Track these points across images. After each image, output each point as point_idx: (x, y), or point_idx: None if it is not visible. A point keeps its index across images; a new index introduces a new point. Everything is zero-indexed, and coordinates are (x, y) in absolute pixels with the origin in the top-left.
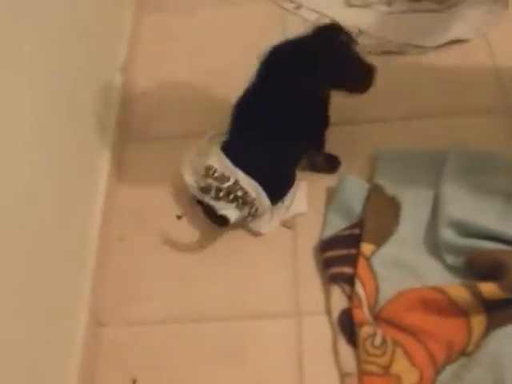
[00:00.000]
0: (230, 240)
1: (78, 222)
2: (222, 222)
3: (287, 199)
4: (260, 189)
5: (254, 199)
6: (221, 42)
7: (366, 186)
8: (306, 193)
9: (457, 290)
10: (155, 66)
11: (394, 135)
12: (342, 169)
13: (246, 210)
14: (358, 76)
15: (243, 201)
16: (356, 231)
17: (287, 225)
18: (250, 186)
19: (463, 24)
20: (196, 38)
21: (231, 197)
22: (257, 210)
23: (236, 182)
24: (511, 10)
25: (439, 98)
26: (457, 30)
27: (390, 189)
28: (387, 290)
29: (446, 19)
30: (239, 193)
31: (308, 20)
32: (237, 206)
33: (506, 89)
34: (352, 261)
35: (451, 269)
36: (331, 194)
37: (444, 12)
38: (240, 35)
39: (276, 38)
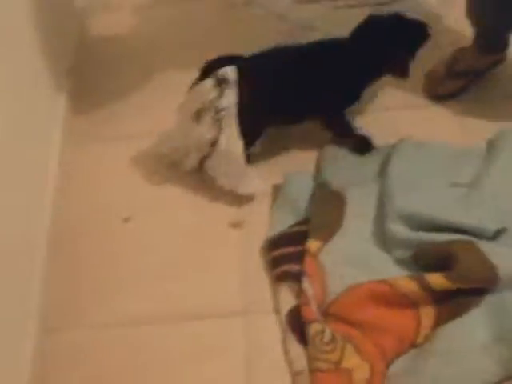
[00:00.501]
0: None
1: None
2: None
3: (233, 176)
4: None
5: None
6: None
7: (312, 182)
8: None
9: (405, 282)
10: None
11: None
12: (289, 165)
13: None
14: None
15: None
16: (303, 228)
17: (235, 224)
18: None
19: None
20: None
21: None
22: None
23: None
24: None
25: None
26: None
27: (335, 184)
28: (336, 286)
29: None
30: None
31: (256, 15)
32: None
33: None
34: (300, 258)
35: (400, 262)
36: (277, 191)
37: (393, 5)
38: (191, 30)
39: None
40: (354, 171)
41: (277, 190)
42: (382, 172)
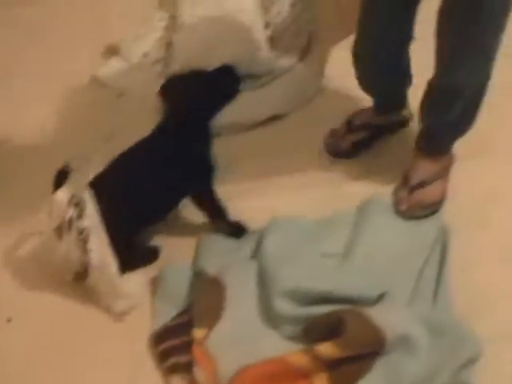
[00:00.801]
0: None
1: None
2: None
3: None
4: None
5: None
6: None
7: (189, 271)
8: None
9: (297, 357)
10: None
11: None
12: (165, 254)
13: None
14: None
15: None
16: (186, 318)
17: (118, 314)
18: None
19: (282, 98)
20: None
21: None
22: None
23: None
24: (327, 79)
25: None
26: (276, 105)
27: (212, 271)
28: (226, 371)
29: (264, 96)
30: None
31: (130, 106)
32: None
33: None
34: (187, 348)
35: (291, 338)
36: (156, 284)
37: (262, 88)
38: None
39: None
40: (229, 256)
41: (156, 282)
42: (258, 252)
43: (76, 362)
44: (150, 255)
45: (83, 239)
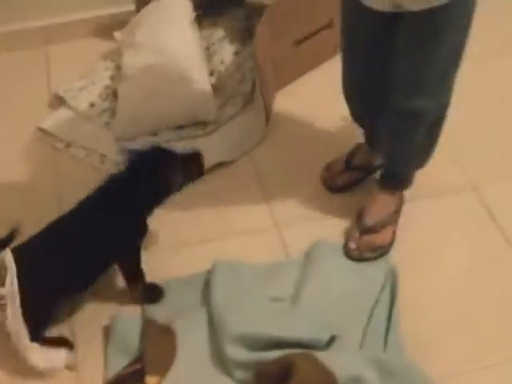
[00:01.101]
0: None
1: None
2: None
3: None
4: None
5: None
6: None
7: (139, 320)
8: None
9: None
10: None
11: (164, 266)
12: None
13: None
14: None
15: None
16: (138, 366)
17: (69, 366)
18: None
19: (226, 146)
20: None
21: None
22: None
23: None
24: (271, 126)
25: (215, 222)
26: (220, 153)
27: (162, 318)
28: None
29: (210, 143)
30: None
31: (77, 157)
32: None
33: (273, 205)
34: None
35: (243, 382)
36: (108, 333)
37: (208, 136)
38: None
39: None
40: (177, 303)
41: (107, 331)
42: (206, 298)
43: None
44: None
45: (1, 305)
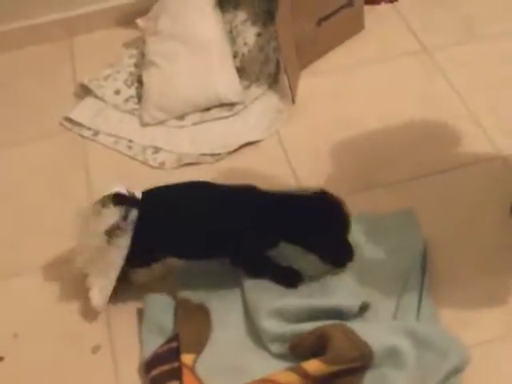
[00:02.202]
0: None
1: None
2: None
3: None
4: None
5: None
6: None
7: (172, 300)
8: None
9: (285, 375)
10: None
11: None
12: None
13: None
14: None
15: None
16: (174, 344)
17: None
18: None
19: (253, 126)
20: None
21: None
22: None
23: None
24: (297, 106)
25: None
26: (248, 133)
27: (196, 298)
28: None
29: (237, 124)
30: None
31: (106, 145)
32: None
33: (302, 182)
34: (177, 374)
35: (279, 356)
36: (141, 315)
37: (234, 117)
38: (44, 168)
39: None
40: (209, 281)
41: (141, 313)
42: (239, 278)
43: None
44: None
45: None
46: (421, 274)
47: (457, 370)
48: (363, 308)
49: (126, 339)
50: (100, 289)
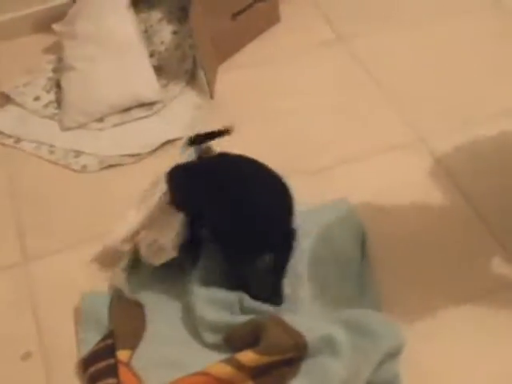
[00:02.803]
0: None
1: None
2: None
3: None
4: None
5: None
6: None
7: (108, 297)
8: None
9: (218, 367)
10: None
11: None
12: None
13: None
14: None
15: None
16: (110, 341)
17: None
18: None
19: (174, 124)
20: None
21: None
22: None
23: None
24: (216, 101)
25: None
26: (168, 131)
27: (130, 292)
28: None
29: (157, 123)
30: None
31: (28, 151)
32: None
33: None
34: (114, 371)
35: (214, 347)
36: (78, 313)
37: (154, 116)
38: None
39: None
40: (145, 277)
41: (78, 311)
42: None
43: None
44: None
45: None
46: (361, 261)
47: (392, 354)
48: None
49: (61, 341)
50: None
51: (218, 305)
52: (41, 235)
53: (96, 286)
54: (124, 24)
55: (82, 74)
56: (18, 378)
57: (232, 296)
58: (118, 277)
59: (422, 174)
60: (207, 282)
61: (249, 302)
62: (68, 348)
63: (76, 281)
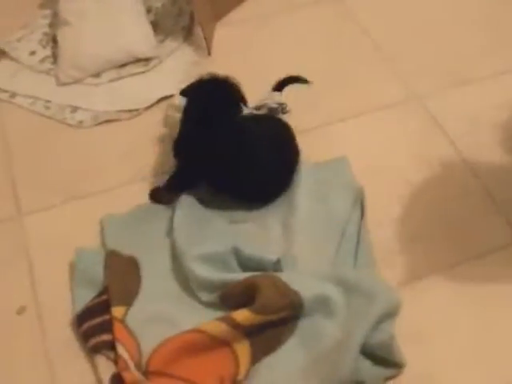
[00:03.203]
0: None
1: None
2: None
3: None
4: None
5: None
6: None
7: (102, 253)
8: None
9: (213, 325)
10: None
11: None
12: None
13: None
14: None
15: None
16: (104, 298)
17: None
18: None
19: (169, 80)
20: None
21: None
22: None
23: None
24: (213, 57)
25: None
26: (164, 87)
27: (125, 250)
28: (148, 346)
29: (153, 79)
30: None
31: (23, 107)
32: None
33: None
34: (108, 327)
35: (209, 305)
36: (72, 269)
37: (150, 72)
38: None
39: None
40: (140, 234)
41: (72, 268)
42: (169, 229)
43: None
44: None
45: None
46: (359, 220)
47: (388, 315)
48: (277, 264)
49: (55, 296)
50: None
51: (211, 261)
52: (35, 190)
53: (90, 242)
54: None
55: (77, 29)
56: (14, 332)
57: (226, 249)
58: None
59: (419, 132)
60: (193, 236)
61: (244, 252)
62: (62, 303)
63: (70, 236)
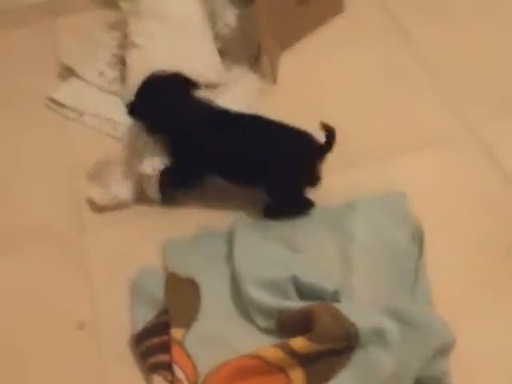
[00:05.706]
0: None
1: None
2: None
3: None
4: None
5: None
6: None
7: (163, 273)
8: None
9: (270, 351)
10: None
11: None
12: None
13: None
14: None
15: None
16: (164, 318)
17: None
18: None
19: (235, 107)
20: None
21: None
22: None
23: None
24: (279, 85)
25: None
26: None
27: (185, 272)
28: (205, 368)
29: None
30: None
31: (92, 126)
32: None
33: None
34: (166, 348)
35: (265, 331)
36: (132, 288)
37: (215, 98)
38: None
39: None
40: (200, 257)
41: (132, 286)
42: (229, 251)
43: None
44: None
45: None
46: (417, 256)
47: (442, 351)
48: (335, 294)
49: (113, 313)
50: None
51: (269, 287)
52: (98, 207)
53: (151, 260)
54: (189, 4)
55: (144, 51)
56: (72, 346)
57: (284, 277)
58: None
59: (472, 165)
60: (252, 261)
61: (303, 280)
62: (121, 321)
63: (130, 253)
